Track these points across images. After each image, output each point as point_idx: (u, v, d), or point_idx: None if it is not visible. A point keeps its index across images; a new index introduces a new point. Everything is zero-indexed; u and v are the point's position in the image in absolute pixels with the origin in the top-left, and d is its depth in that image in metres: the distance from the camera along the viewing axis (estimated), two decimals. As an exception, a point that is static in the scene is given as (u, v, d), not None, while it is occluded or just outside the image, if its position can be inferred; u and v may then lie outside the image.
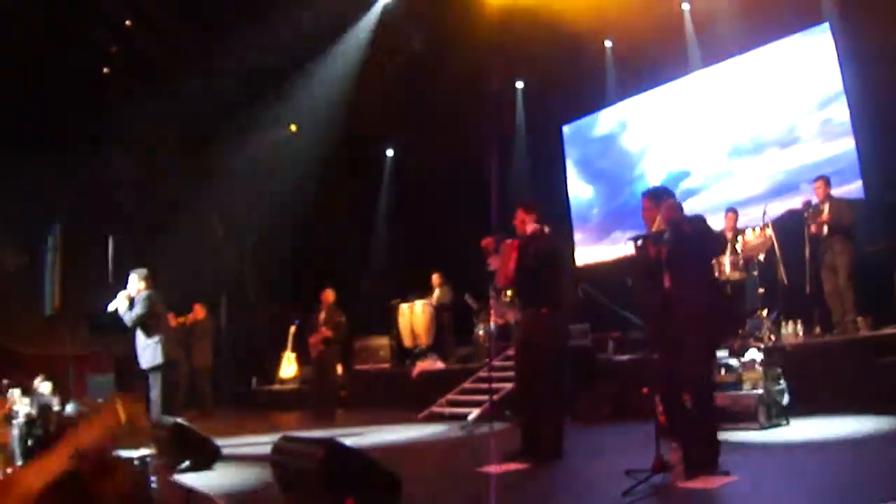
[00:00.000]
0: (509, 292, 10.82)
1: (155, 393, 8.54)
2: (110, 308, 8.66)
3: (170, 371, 8.66)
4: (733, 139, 12.30)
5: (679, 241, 5.40)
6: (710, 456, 5.20)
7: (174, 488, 5.58)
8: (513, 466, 6.26)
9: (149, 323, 8.63)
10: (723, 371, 7.37)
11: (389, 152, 18.30)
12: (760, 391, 7.07)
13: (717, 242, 5.62)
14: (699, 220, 5.72)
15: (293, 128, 16.32)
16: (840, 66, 10.55)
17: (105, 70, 14.58)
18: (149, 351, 8.60)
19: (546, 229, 6.81)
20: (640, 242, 5.69)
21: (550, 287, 6.65)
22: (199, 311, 13.73)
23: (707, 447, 5.22)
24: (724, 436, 5.56)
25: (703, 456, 5.16)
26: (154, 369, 8.58)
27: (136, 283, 8.77)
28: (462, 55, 13.79)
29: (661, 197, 5.75)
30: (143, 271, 8.89)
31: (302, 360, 15.28)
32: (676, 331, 5.38)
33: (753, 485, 4.81)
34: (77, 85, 13.75)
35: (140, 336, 8.68)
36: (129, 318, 8.56)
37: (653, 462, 5.12)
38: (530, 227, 6.76)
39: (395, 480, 4.61)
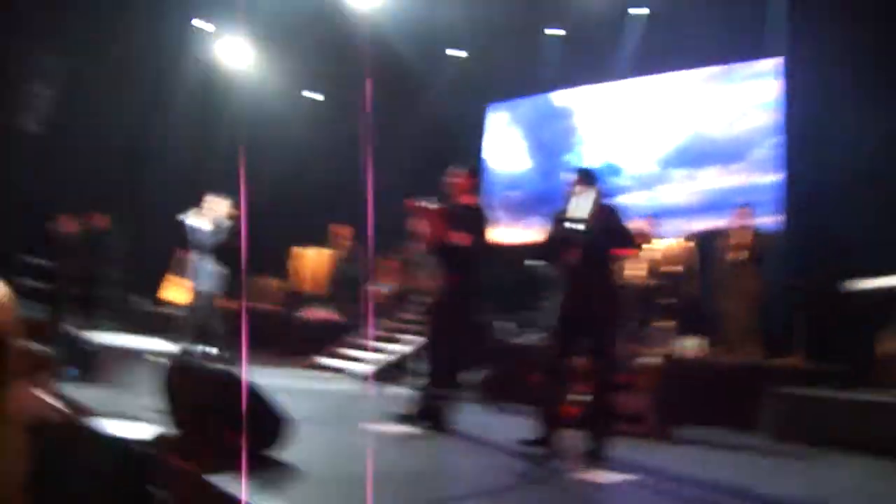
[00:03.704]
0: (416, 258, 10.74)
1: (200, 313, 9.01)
2: (187, 221, 8.88)
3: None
4: (677, 148, 12.46)
5: (603, 231, 5.35)
6: (602, 447, 5.19)
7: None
8: (401, 428, 6.14)
9: (227, 254, 8.90)
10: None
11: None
12: (653, 397, 7.13)
13: (629, 236, 5.62)
14: (620, 214, 5.68)
15: None
16: (785, 100, 10.76)
17: None
18: (215, 278, 8.99)
19: (475, 200, 6.70)
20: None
21: (472, 259, 6.52)
22: (101, 220, 12.88)
23: (601, 439, 5.21)
24: (616, 436, 5.53)
25: (597, 447, 5.15)
26: (209, 295, 8.98)
27: (225, 210, 9.02)
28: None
29: (593, 181, 5.67)
30: (232, 201, 9.00)
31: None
32: (580, 316, 5.35)
33: (642, 485, 4.80)
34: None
35: (212, 260, 8.95)
36: (211, 241, 8.91)
37: (545, 444, 5.12)
38: (464, 196, 6.62)
39: (286, 422, 4.41)
